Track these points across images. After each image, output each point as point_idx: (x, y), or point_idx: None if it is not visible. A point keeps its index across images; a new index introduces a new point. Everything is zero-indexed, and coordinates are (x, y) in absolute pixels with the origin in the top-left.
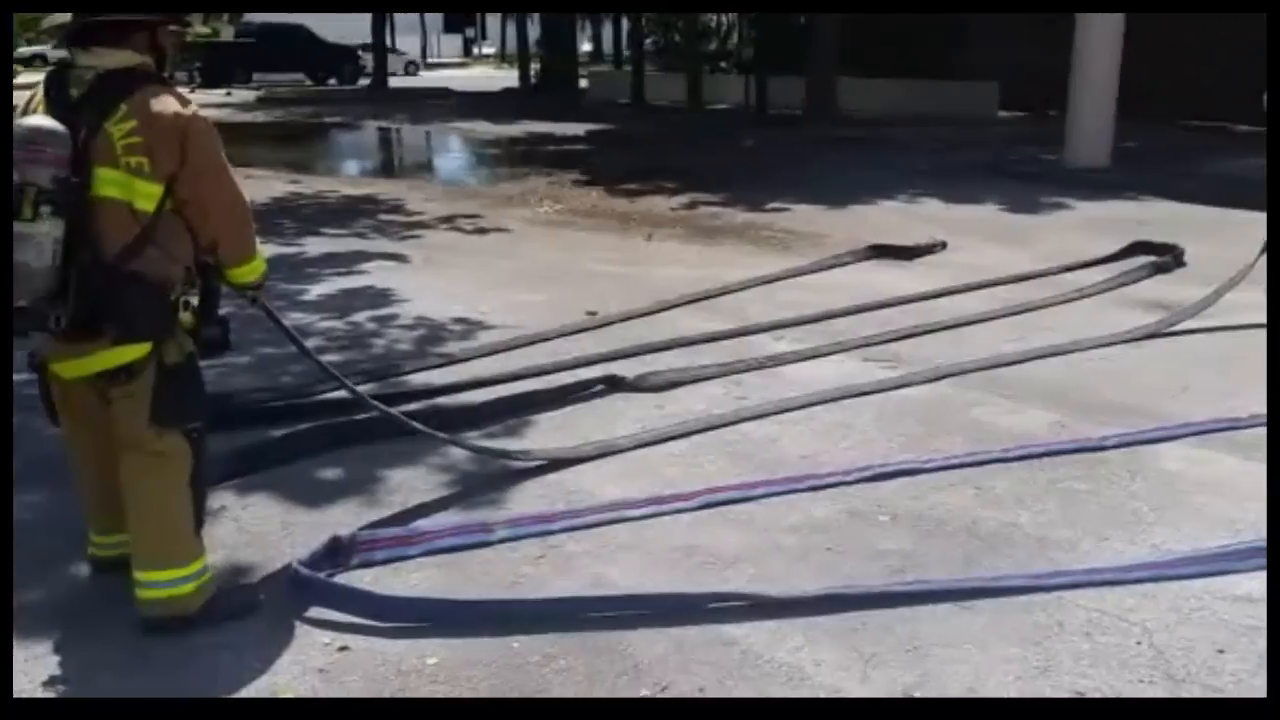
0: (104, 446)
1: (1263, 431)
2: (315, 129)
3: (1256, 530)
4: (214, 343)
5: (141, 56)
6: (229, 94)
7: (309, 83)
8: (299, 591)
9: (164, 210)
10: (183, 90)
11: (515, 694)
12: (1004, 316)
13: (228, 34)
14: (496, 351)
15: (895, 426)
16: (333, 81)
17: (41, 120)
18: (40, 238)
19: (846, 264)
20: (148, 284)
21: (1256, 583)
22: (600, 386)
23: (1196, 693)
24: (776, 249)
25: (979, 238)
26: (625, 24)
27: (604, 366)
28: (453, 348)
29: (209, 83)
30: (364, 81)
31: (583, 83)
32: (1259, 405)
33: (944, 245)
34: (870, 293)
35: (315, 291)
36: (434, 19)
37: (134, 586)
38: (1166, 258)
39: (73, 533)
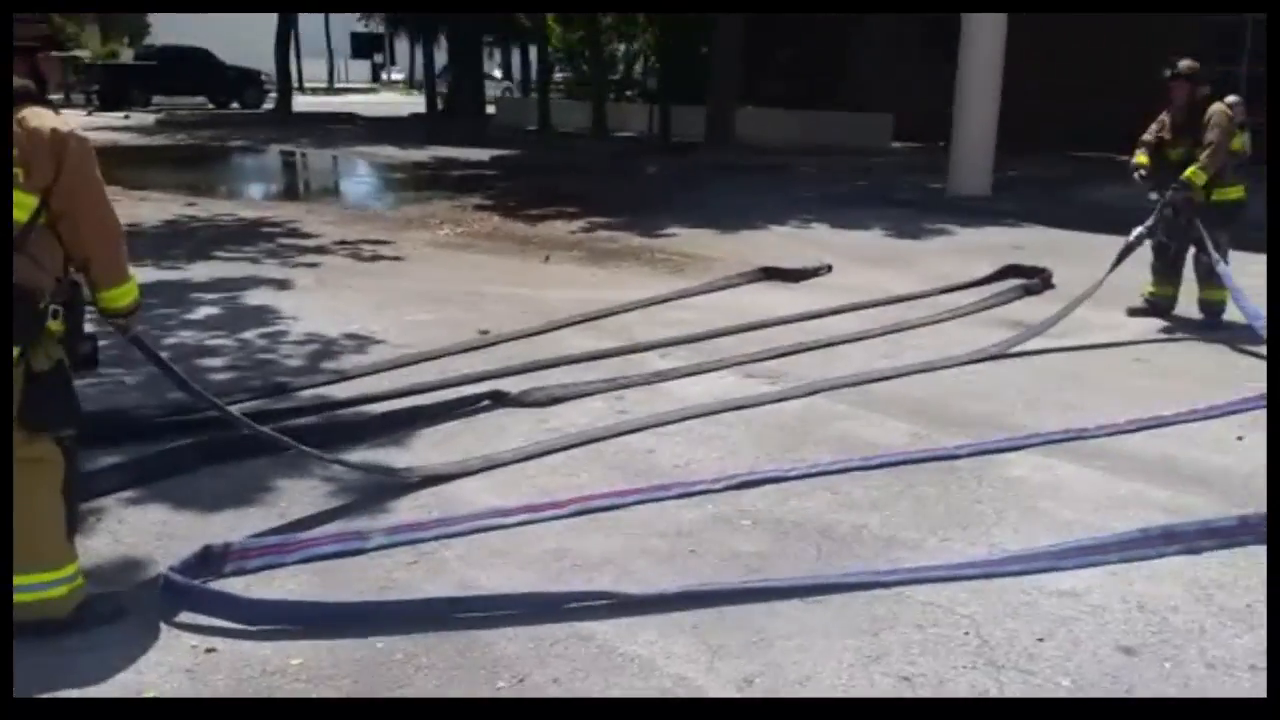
0: None
1: (1104, 441)
2: (215, 153)
3: (1086, 529)
4: (85, 359)
5: (22, 80)
6: (127, 117)
7: (211, 106)
8: (169, 597)
9: (37, 223)
10: (80, 113)
11: (377, 690)
12: (878, 336)
13: (126, 56)
14: (387, 369)
15: (765, 438)
16: (235, 105)
17: None
18: None
19: (736, 285)
20: (15, 290)
21: (1077, 579)
22: (485, 401)
23: (1013, 677)
24: (670, 271)
25: (863, 261)
26: (534, 52)
27: (492, 383)
28: (344, 364)
29: (107, 105)
30: (268, 105)
31: (490, 109)
32: (1104, 417)
33: (829, 268)
34: (756, 313)
35: (204, 312)
36: (342, 44)
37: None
38: (1035, 280)
39: None
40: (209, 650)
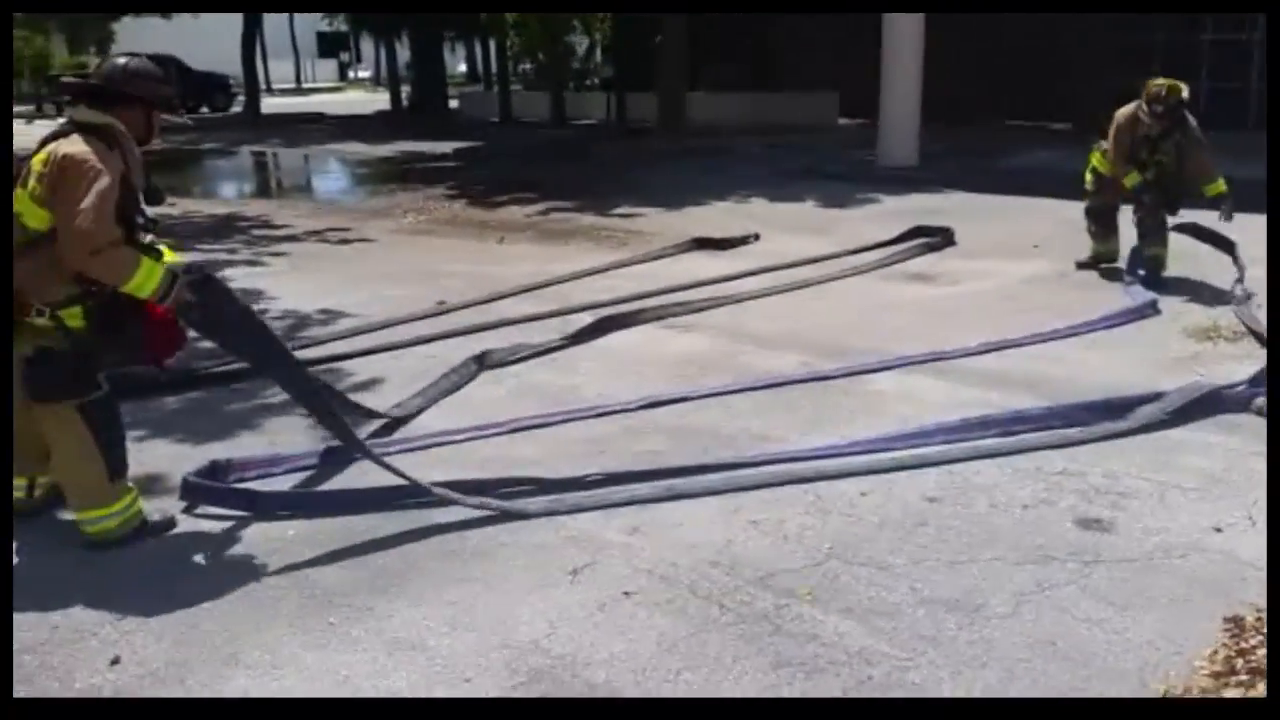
0: (19, 407)
1: (959, 361)
2: (188, 155)
3: (920, 422)
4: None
5: (104, 119)
6: None
7: (182, 111)
8: (189, 495)
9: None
10: (54, 124)
11: (349, 547)
12: (788, 290)
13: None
14: (353, 334)
15: (676, 371)
16: (205, 110)
17: None
18: None
19: (670, 255)
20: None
21: (906, 455)
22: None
23: (835, 518)
24: (615, 246)
25: (792, 230)
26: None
27: (445, 343)
28: (318, 333)
29: None
30: (237, 109)
31: (454, 103)
32: (967, 342)
33: (757, 237)
34: (684, 279)
35: None
36: (307, 44)
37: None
38: (938, 238)
39: None
40: (225, 530)
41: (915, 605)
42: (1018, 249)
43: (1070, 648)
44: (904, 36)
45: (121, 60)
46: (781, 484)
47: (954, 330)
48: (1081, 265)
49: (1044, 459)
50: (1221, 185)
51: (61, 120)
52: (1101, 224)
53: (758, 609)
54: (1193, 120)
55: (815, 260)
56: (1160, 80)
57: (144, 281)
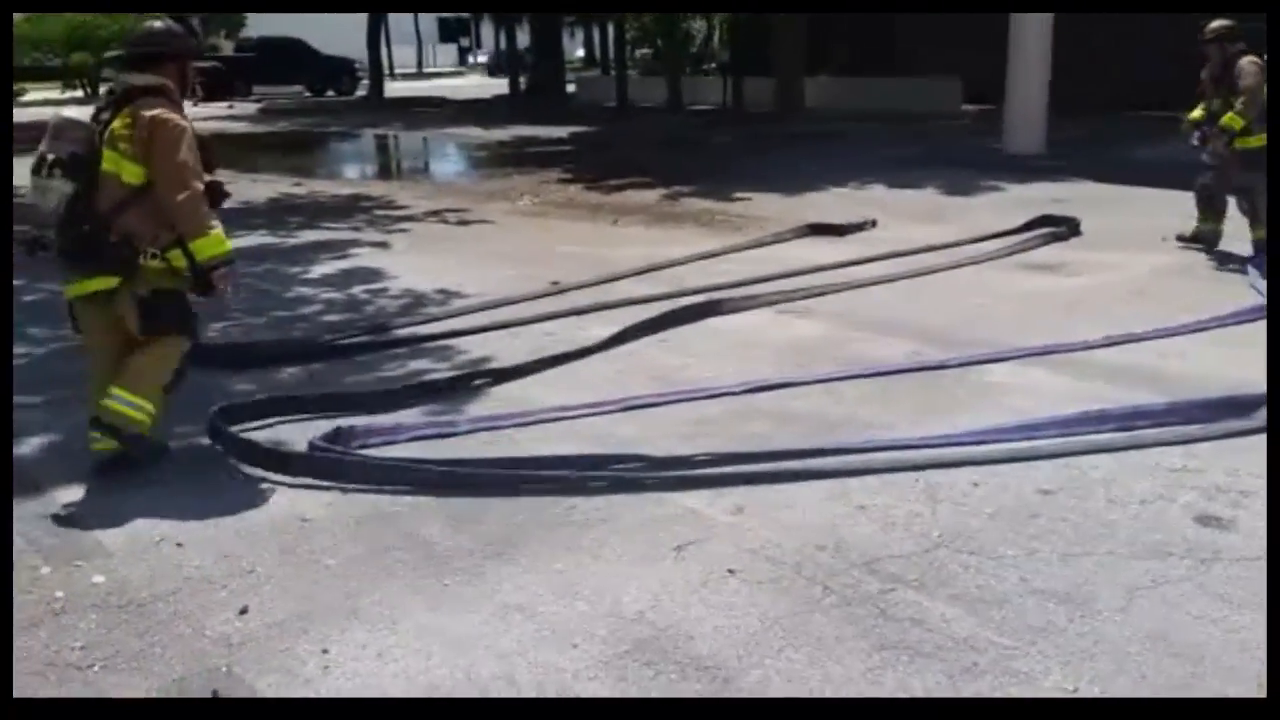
0: (110, 344)
1: (1079, 354)
2: (315, 138)
3: (1033, 414)
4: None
5: (158, 79)
6: (231, 107)
7: (308, 94)
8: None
9: (150, 187)
10: (186, 104)
11: (463, 513)
12: (905, 278)
13: (226, 48)
14: (471, 311)
15: (786, 357)
16: (331, 93)
17: (71, 112)
18: (51, 191)
19: (785, 240)
20: (120, 237)
21: (1019, 447)
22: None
23: (946, 507)
24: (730, 231)
25: (911, 217)
26: (612, 31)
27: (560, 322)
28: (435, 311)
29: (211, 96)
30: (361, 92)
31: (571, 88)
32: (1088, 335)
33: (874, 223)
34: (800, 264)
35: (317, 271)
36: (429, 29)
37: (103, 395)
38: (1062, 228)
39: None
40: (344, 492)
41: (1025, 595)
42: (1145, 241)
43: (1183, 644)
44: (1032, 23)
45: (151, 24)
46: (890, 471)
47: (1074, 322)
48: (1181, 238)
49: (1163, 455)
50: (1225, 119)
51: (108, 87)
52: (1205, 203)
53: (863, 592)
54: (1248, 66)
55: (934, 248)
56: (1219, 23)
57: (212, 244)
